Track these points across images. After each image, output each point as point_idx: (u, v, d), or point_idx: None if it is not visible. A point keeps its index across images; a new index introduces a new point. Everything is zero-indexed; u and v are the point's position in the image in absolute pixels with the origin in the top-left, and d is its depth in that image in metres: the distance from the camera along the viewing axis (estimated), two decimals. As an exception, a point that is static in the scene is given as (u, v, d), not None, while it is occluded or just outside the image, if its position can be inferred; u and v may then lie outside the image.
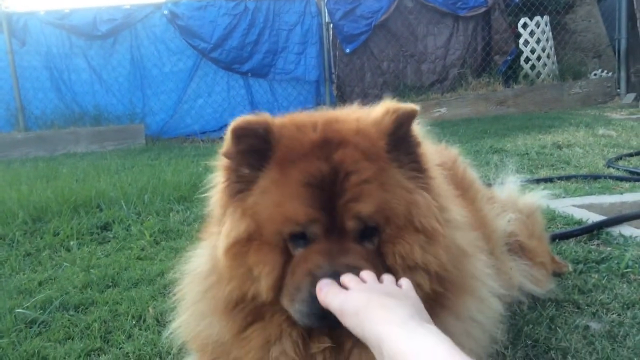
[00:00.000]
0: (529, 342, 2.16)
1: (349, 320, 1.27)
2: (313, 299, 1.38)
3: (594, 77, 12.05)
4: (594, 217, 3.56)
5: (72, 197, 4.84)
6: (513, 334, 2.21)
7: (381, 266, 1.49)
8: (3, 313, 2.72)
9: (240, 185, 1.57)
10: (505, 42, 11.78)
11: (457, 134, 7.84)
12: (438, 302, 1.40)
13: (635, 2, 11.20)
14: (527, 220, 2.65)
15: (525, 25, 11.62)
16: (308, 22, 11.33)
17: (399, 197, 1.51)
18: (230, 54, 11.10)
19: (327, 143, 1.53)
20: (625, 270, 2.75)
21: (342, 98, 11.29)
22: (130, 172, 6.75)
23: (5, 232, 4.19)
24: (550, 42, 11.94)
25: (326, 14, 11.31)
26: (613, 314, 2.35)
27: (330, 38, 11.54)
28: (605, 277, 2.70)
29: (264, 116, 1.59)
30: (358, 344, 1.38)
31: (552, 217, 3.67)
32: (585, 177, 4.88)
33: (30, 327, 2.60)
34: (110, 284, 3.13)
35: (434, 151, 1.83)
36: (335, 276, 1.38)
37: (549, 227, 3.42)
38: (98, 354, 2.34)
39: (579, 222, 3.54)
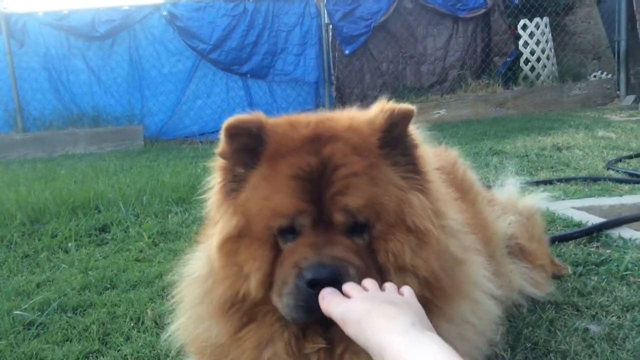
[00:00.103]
0: (529, 345, 2.15)
1: (351, 329, 1.27)
2: (299, 291, 1.39)
3: (594, 78, 12.05)
4: (594, 220, 3.56)
5: (70, 199, 4.83)
6: (512, 337, 2.21)
7: (372, 264, 1.48)
8: (1, 315, 2.71)
9: (235, 184, 1.58)
10: (504, 43, 11.79)
11: (456, 136, 7.83)
12: (426, 307, 1.39)
13: (634, 4, 11.21)
14: (527, 223, 2.65)
15: (524, 27, 11.63)
16: (307, 24, 11.32)
17: (390, 193, 1.51)
18: (230, 55, 11.10)
19: (318, 138, 1.53)
20: (624, 273, 2.75)
21: (342, 99, 11.29)
22: (129, 173, 6.74)
23: (3, 233, 4.18)
24: (550, 44, 11.94)
25: (325, 15, 11.31)
26: (612, 316, 2.35)
27: (330, 39, 11.54)
28: (605, 280, 2.70)
29: (257, 114, 1.60)
30: (351, 345, 1.38)
31: (551, 219, 3.67)
32: (584, 179, 4.89)
33: (28, 329, 2.60)
34: (109, 285, 3.13)
35: (433, 155, 1.83)
36: (321, 267, 1.38)
37: (549, 230, 3.42)
38: (96, 356, 2.34)
39: (579, 224, 3.54)
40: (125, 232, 4.16)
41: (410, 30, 11.77)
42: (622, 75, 11.50)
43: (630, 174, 4.95)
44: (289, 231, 1.49)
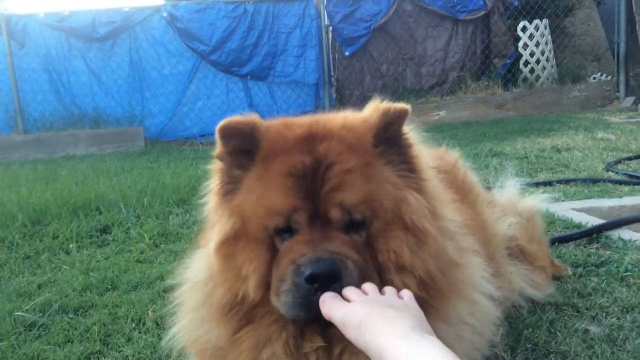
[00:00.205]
0: (529, 346, 2.16)
1: (351, 333, 1.28)
2: (298, 287, 1.39)
3: (593, 80, 12.07)
4: (594, 221, 3.57)
5: (71, 200, 4.83)
6: (513, 338, 2.21)
7: (371, 262, 1.49)
8: (2, 316, 2.71)
9: (231, 186, 1.59)
10: (504, 45, 11.80)
11: (456, 137, 7.84)
12: (422, 308, 1.40)
13: (634, 6, 11.22)
14: (527, 224, 2.65)
15: (524, 29, 11.65)
16: (307, 25, 11.33)
17: (386, 191, 1.51)
18: (230, 56, 11.11)
19: (312, 137, 1.54)
20: (624, 274, 2.75)
21: (342, 101, 11.30)
22: (130, 174, 6.75)
23: (4, 234, 4.18)
24: (550, 46, 11.96)
25: (325, 17, 11.32)
26: (612, 317, 2.35)
27: (330, 41, 11.55)
28: (605, 281, 2.71)
29: (250, 116, 1.61)
30: (350, 345, 1.38)
31: (551, 220, 3.68)
32: (584, 181, 4.89)
33: (30, 330, 2.60)
34: (110, 287, 3.13)
35: (429, 155, 1.83)
36: (319, 262, 1.38)
37: (549, 231, 3.42)
38: (97, 357, 2.34)
39: (579, 225, 3.54)
40: (126, 233, 4.16)
41: (410, 32, 11.79)
42: (622, 77, 11.52)
43: (630, 176, 4.96)
44: (285, 230, 1.49)
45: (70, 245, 3.91)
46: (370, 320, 1.25)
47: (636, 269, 2.78)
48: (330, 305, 1.35)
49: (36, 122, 10.88)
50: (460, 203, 2.15)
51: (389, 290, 1.41)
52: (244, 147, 1.57)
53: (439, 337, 1.41)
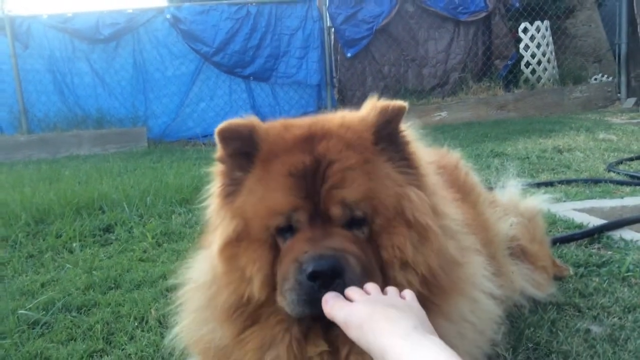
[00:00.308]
0: (530, 346, 2.16)
1: (353, 333, 1.28)
2: (301, 285, 1.40)
3: (595, 81, 12.06)
4: (595, 221, 3.57)
5: (74, 199, 4.85)
6: (514, 337, 2.21)
7: (374, 259, 1.49)
8: (6, 314, 2.73)
9: (232, 188, 1.60)
10: (505, 46, 11.80)
11: (457, 138, 7.84)
12: (424, 305, 1.40)
13: (635, 7, 11.22)
14: (528, 224, 2.66)
15: (525, 30, 11.64)
16: (310, 27, 11.35)
17: (387, 188, 1.52)
18: (233, 58, 11.13)
19: (311, 137, 1.55)
20: (626, 274, 2.75)
21: (344, 102, 11.30)
22: (133, 174, 6.76)
23: (8, 233, 4.20)
24: (551, 47, 11.95)
25: (328, 19, 11.34)
26: (614, 317, 2.36)
27: (332, 42, 11.57)
28: (606, 281, 2.71)
29: (249, 118, 1.62)
30: (355, 348, 1.39)
31: (553, 221, 3.68)
32: (585, 181, 4.89)
33: (33, 329, 2.61)
34: (113, 285, 3.14)
35: (427, 151, 1.84)
36: (321, 259, 1.38)
37: (550, 231, 3.43)
38: (100, 355, 2.35)
39: (580, 226, 3.54)
40: (129, 232, 4.18)
41: (412, 33, 11.80)
42: (623, 78, 11.51)
43: (631, 176, 4.95)
44: (287, 230, 1.50)
45: (74, 244, 3.92)
46: (372, 320, 1.25)
47: (638, 269, 2.78)
48: (332, 305, 1.35)
49: (40, 122, 10.90)
50: (462, 203, 2.15)
51: (391, 290, 1.41)
52: (244, 150, 1.58)
53: (441, 334, 1.42)
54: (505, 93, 11.56)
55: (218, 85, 11.32)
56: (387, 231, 1.50)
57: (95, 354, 2.36)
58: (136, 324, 2.60)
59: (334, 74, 11.65)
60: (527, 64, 11.77)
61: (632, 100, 11.21)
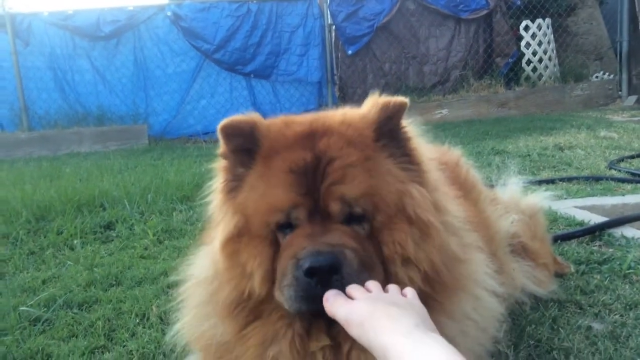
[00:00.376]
0: (532, 342, 2.16)
1: (354, 330, 1.28)
2: (298, 281, 1.39)
3: (596, 79, 12.04)
4: (596, 219, 3.57)
5: (75, 197, 4.85)
6: (516, 334, 2.21)
7: (375, 254, 1.49)
8: (7, 311, 2.73)
9: (235, 184, 1.60)
10: (506, 44, 11.79)
11: (458, 136, 7.84)
12: (426, 303, 1.40)
13: (637, 5, 11.20)
14: (529, 222, 2.65)
15: (527, 28, 11.63)
16: (310, 24, 11.34)
17: (388, 185, 1.51)
18: (233, 55, 11.13)
19: (312, 134, 1.55)
20: (627, 272, 2.75)
21: (344, 99, 11.29)
22: (134, 172, 6.77)
23: (9, 231, 4.20)
24: (552, 45, 11.94)
25: (328, 16, 11.33)
26: (615, 314, 2.36)
27: (333, 40, 11.56)
28: (608, 278, 2.71)
29: (251, 115, 1.62)
30: (356, 344, 1.38)
31: (554, 218, 3.68)
32: (587, 179, 4.89)
33: (34, 325, 2.61)
34: (114, 282, 3.15)
35: (429, 148, 1.83)
36: (318, 255, 1.37)
37: (551, 229, 3.42)
38: (102, 352, 2.35)
39: (581, 223, 3.54)
40: (130, 229, 4.18)
41: (413, 31, 11.78)
42: (624, 76, 11.50)
43: (633, 174, 4.95)
44: (287, 226, 1.50)
45: (75, 241, 3.93)
46: (373, 318, 1.25)
47: (639, 267, 2.78)
48: (333, 303, 1.35)
49: (41, 119, 10.91)
50: (463, 200, 2.15)
51: (392, 288, 1.41)
52: (246, 146, 1.59)
53: (443, 332, 1.41)
54: (507, 91, 11.55)
55: (219, 83, 11.32)
56: (388, 227, 1.49)
57: (96, 350, 2.36)
58: (137, 320, 2.60)
59: (335, 72, 11.64)
60: (529, 62, 11.76)
61: (634, 98, 11.19)
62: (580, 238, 3.30)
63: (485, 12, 11.69)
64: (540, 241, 2.66)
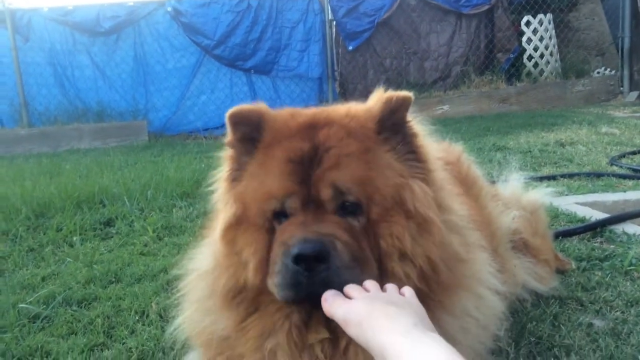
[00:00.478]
0: (533, 339, 2.15)
1: (353, 330, 1.28)
2: (287, 268, 1.39)
3: (597, 75, 12.00)
4: (597, 215, 3.55)
5: (75, 193, 4.84)
6: (516, 331, 2.21)
7: (370, 249, 1.47)
8: (7, 308, 2.72)
9: (238, 173, 1.61)
10: (508, 40, 11.75)
11: (459, 132, 7.81)
12: (423, 302, 1.39)
13: (639, 1, 11.15)
14: (530, 218, 2.65)
15: (528, 23, 11.58)
16: (311, 20, 11.32)
17: (386, 177, 1.50)
18: (234, 50, 11.10)
19: (314, 125, 1.56)
20: (628, 268, 2.74)
21: (345, 95, 11.27)
22: (133, 168, 6.76)
23: (8, 227, 4.19)
24: (554, 40, 11.89)
25: (329, 11, 11.30)
26: (617, 311, 2.35)
27: (333, 35, 11.52)
28: (609, 275, 2.70)
29: (259, 104, 1.63)
30: None
31: (555, 214, 3.67)
32: (588, 175, 4.87)
33: (34, 322, 2.61)
34: (113, 279, 3.14)
35: (436, 147, 1.82)
36: (306, 242, 1.37)
37: (553, 225, 3.41)
38: (101, 349, 2.34)
39: (582, 219, 3.53)
40: (130, 226, 4.17)
41: (414, 26, 11.75)
42: (626, 72, 11.46)
43: (634, 170, 4.93)
44: (282, 214, 1.50)
45: (74, 238, 3.92)
46: (371, 317, 1.25)
47: (640, 263, 2.77)
48: (331, 303, 1.35)
49: (41, 116, 10.91)
50: (464, 196, 2.14)
51: (390, 287, 1.40)
52: (252, 135, 1.59)
53: (444, 329, 1.41)
54: (508, 86, 11.52)
55: (219, 79, 11.30)
56: (386, 220, 1.48)
57: (95, 347, 2.35)
58: (137, 317, 2.59)
59: (336, 67, 11.61)
60: (530, 57, 11.72)
61: (635, 93, 11.17)
62: (582, 234, 3.29)
63: (486, 7, 11.65)
64: (541, 237, 2.65)
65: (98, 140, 10.38)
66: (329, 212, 1.46)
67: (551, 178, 4.88)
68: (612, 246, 3.09)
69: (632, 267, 2.74)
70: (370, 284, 1.39)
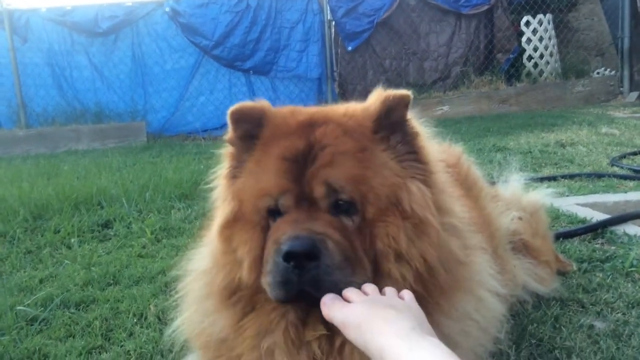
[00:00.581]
0: (534, 341, 2.14)
1: (352, 333, 1.28)
2: (277, 266, 1.38)
3: (597, 75, 12.00)
4: (598, 216, 3.54)
5: (73, 195, 4.83)
6: (517, 333, 2.20)
7: (364, 249, 1.46)
8: (4, 310, 2.71)
9: (237, 170, 1.61)
10: (507, 40, 11.75)
11: (459, 132, 7.80)
12: (421, 304, 1.38)
13: (638, 1, 11.16)
14: (531, 219, 2.64)
15: (528, 24, 11.58)
16: (310, 20, 11.30)
17: (382, 177, 1.49)
18: (232, 51, 11.09)
19: (312, 123, 1.55)
20: (629, 269, 2.73)
21: (344, 96, 11.26)
22: (132, 169, 6.75)
23: (6, 229, 4.18)
24: (553, 41, 11.90)
25: (328, 12, 11.28)
26: (618, 313, 2.34)
27: (332, 36, 11.52)
28: (610, 276, 2.69)
29: (261, 102, 1.63)
30: None
31: (556, 215, 3.66)
32: (589, 176, 4.86)
33: (31, 325, 2.59)
34: (111, 281, 3.12)
35: (438, 149, 1.81)
36: (296, 239, 1.35)
37: (553, 226, 3.40)
38: (99, 352, 2.33)
39: (583, 220, 3.52)
40: (128, 228, 4.15)
41: (413, 26, 11.74)
42: (626, 72, 11.47)
43: (635, 171, 4.93)
44: (277, 212, 1.49)
45: (72, 240, 3.90)
46: (370, 320, 1.24)
47: (641, 264, 2.76)
48: (330, 306, 1.34)
49: (39, 117, 10.89)
50: (464, 197, 2.13)
51: (389, 290, 1.40)
52: (253, 132, 1.59)
53: (444, 332, 1.40)
54: (507, 87, 11.52)
55: (218, 79, 11.29)
56: (381, 220, 1.47)
57: (93, 350, 2.34)
58: (135, 320, 2.58)
59: (335, 68, 11.60)
60: (530, 58, 11.72)
61: (635, 94, 11.17)
62: (582, 236, 3.28)
63: (486, 7, 11.65)
64: (542, 239, 2.64)
65: (96, 141, 10.36)
66: (322, 211, 1.45)
67: (552, 179, 4.88)
68: (613, 247, 3.08)
69: (633, 269, 2.73)
70: (370, 287, 1.39)
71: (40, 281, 3.17)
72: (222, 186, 1.66)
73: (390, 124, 1.55)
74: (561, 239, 3.22)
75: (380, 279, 1.45)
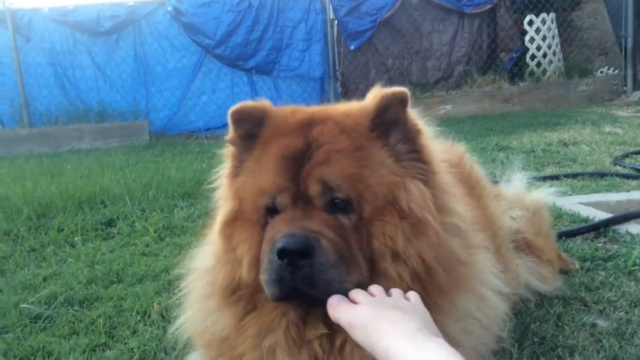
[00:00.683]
0: (536, 340, 2.14)
1: (358, 334, 1.28)
2: (272, 264, 1.38)
3: (600, 74, 11.97)
4: (601, 215, 3.54)
5: (76, 193, 4.84)
6: (520, 332, 2.20)
7: (360, 248, 1.45)
8: (8, 308, 2.72)
9: (238, 169, 1.62)
10: (510, 39, 11.72)
11: (462, 132, 7.79)
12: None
13: (641, 0, 11.13)
14: (533, 218, 2.64)
15: (531, 22, 11.55)
16: (312, 19, 11.30)
17: (379, 176, 1.49)
18: (235, 50, 11.09)
19: (310, 122, 1.56)
20: (632, 268, 2.73)
21: (347, 95, 11.25)
22: (135, 168, 6.76)
23: (10, 228, 4.19)
24: (556, 40, 11.87)
25: (331, 11, 11.27)
26: (620, 311, 2.34)
27: (335, 35, 11.50)
28: (613, 275, 2.69)
29: (262, 101, 1.63)
30: None
31: (558, 214, 3.66)
32: (591, 175, 4.86)
33: (35, 323, 2.61)
34: (115, 279, 3.14)
35: (441, 148, 1.81)
36: (290, 237, 1.36)
37: (556, 225, 3.40)
38: (103, 350, 2.34)
39: (586, 219, 3.52)
40: (131, 226, 4.17)
41: (416, 25, 11.72)
42: (629, 71, 11.43)
43: (638, 170, 4.91)
44: (274, 211, 1.50)
45: (76, 239, 3.92)
46: (376, 321, 1.25)
47: (644, 263, 2.75)
48: (337, 307, 1.35)
49: (41, 116, 10.91)
50: (467, 196, 2.13)
51: (395, 291, 1.40)
52: (254, 132, 1.60)
53: (446, 331, 1.40)
54: (511, 86, 11.50)
55: (220, 79, 11.29)
56: (378, 219, 1.46)
57: (97, 348, 2.35)
58: (138, 318, 2.59)
59: (337, 67, 11.60)
60: (533, 57, 11.69)
61: (638, 93, 11.14)
62: (585, 234, 3.28)
63: (489, 6, 11.62)
64: (544, 237, 2.64)
65: (99, 141, 10.38)
66: (318, 209, 1.45)
67: (554, 178, 4.87)
68: (615, 246, 3.08)
69: (635, 267, 2.73)
70: (376, 288, 1.39)
71: (44, 279, 3.19)
72: (224, 186, 1.67)
73: (387, 122, 1.55)
74: (564, 237, 3.22)
75: (376, 278, 1.45)
